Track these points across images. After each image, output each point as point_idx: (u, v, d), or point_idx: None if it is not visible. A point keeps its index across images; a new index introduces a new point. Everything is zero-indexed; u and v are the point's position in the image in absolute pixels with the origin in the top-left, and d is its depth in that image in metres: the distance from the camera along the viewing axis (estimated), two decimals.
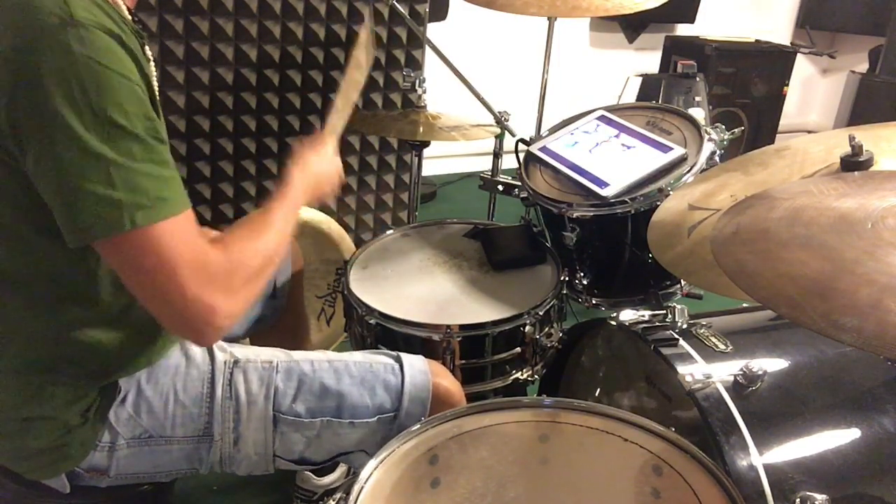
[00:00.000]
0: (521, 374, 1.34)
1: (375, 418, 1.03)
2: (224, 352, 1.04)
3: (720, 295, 1.01)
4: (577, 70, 3.80)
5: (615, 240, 1.47)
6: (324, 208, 1.59)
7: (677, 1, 3.34)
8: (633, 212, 1.39)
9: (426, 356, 1.11)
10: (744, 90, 3.59)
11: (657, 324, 1.13)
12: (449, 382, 1.08)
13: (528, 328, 1.29)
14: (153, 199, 0.76)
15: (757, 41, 3.77)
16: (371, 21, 2.09)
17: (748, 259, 0.79)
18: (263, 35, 2.02)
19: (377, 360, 1.08)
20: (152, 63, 0.88)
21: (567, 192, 1.49)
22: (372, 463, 0.82)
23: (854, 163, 1.02)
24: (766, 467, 0.89)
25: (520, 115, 2.08)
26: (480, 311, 1.31)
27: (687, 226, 1.15)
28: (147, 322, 0.93)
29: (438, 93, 2.04)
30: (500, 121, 1.97)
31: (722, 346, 1.06)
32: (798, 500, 0.85)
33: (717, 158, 1.43)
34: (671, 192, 1.33)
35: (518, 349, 1.31)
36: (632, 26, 4.04)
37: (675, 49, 3.67)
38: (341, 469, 1.51)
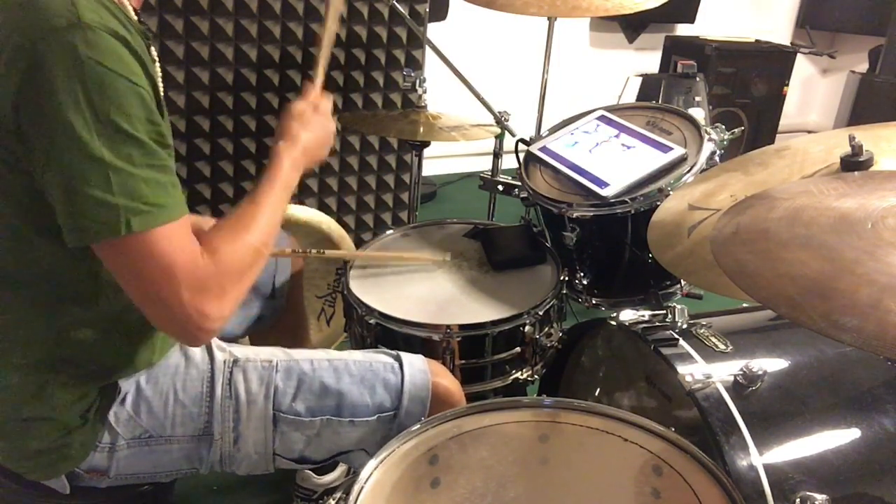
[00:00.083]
0: (521, 374, 1.34)
1: (375, 417, 1.03)
2: (223, 351, 1.04)
3: (720, 295, 1.01)
4: (577, 70, 3.80)
5: (615, 240, 1.47)
6: (323, 208, 1.58)
7: (677, 1, 3.34)
8: (633, 212, 1.39)
9: (426, 356, 1.11)
10: (744, 90, 3.59)
11: (657, 324, 1.13)
12: (448, 382, 1.08)
13: (528, 328, 1.29)
14: (150, 204, 0.76)
15: (757, 41, 3.77)
16: None
17: (748, 259, 0.79)
18: (263, 35, 2.02)
19: (377, 359, 1.08)
20: (158, 64, 0.88)
21: (567, 192, 1.49)
22: (372, 463, 0.82)
23: (854, 163, 1.02)
24: (766, 467, 0.89)
25: (520, 115, 2.08)
26: (480, 311, 1.31)
27: (687, 226, 1.15)
28: (147, 323, 0.93)
29: (438, 93, 2.04)
30: (500, 121, 1.97)
31: (722, 346, 1.06)
32: (798, 500, 0.85)
33: (717, 158, 1.43)
34: (671, 192, 1.33)
35: (518, 349, 1.31)
36: (632, 26, 4.04)
37: (675, 49, 3.67)
38: (341, 468, 1.51)
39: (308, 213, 1.59)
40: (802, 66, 4.47)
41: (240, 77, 2.03)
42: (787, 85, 3.71)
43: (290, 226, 1.53)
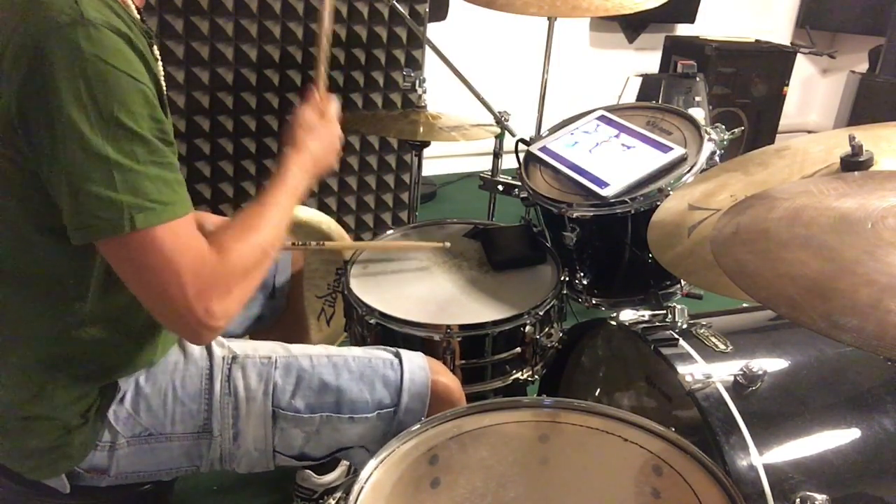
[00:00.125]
0: (521, 374, 1.34)
1: (375, 413, 1.03)
2: (222, 347, 1.04)
3: (720, 295, 1.01)
4: (577, 70, 3.80)
5: (615, 240, 1.47)
6: (323, 207, 1.58)
7: (677, 1, 3.35)
8: (633, 212, 1.39)
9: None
10: (744, 90, 3.59)
11: (657, 324, 1.13)
12: (448, 379, 1.08)
13: (528, 328, 1.29)
14: (155, 201, 0.76)
15: (757, 41, 3.77)
16: None
17: (748, 259, 0.79)
18: (263, 35, 2.02)
19: (376, 356, 1.08)
20: (160, 63, 0.88)
21: (567, 192, 1.49)
22: (372, 463, 0.82)
23: (854, 163, 1.02)
24: (766, 467, 0.89)
25: (520, 115, 2.08)
26: (480, 311, 1.31)
27: (687, 226, 1.15)
28: (148, 323, 0.94)
29: (438, 93, 2.04)
30: (500, 121, 1.97)
31: (722, 346, 1.07)
32: (798, 500, 0.85)
33: (717, 158, 1.43)
34: (671, 192, 1.33)
35: (518, 349, 1.31)
36: (632, 26, 4.04)
37: (675, 49, 3.67)
38: (341, 468, 1.51)
39: (308, 213, 1.59)
40: (802, 66, 4.47)
41: (240, 77, 2.03)
42: (787, 85, 3.71)
43: (290, 225, 1.52)
